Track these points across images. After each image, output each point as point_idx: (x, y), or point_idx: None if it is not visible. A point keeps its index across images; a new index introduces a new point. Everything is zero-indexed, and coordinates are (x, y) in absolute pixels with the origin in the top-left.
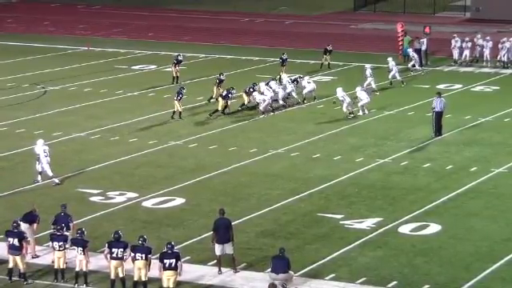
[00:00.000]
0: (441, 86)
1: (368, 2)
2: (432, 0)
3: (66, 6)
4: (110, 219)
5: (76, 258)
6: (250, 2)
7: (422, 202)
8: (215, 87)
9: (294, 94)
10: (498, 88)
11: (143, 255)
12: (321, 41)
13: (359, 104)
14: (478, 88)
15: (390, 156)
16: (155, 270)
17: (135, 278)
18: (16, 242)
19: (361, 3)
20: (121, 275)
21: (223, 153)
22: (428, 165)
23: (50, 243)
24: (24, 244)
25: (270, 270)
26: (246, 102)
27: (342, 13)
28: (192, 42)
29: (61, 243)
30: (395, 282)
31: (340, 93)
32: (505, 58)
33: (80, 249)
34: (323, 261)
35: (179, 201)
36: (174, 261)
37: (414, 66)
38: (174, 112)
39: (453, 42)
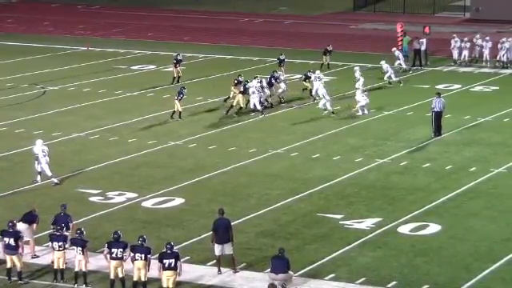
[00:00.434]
0: (440, 86)
1: (368, 2)
2: (432, 0)
3: (66, 6)
4: (110, 219)
5: (75, 258)
6: (250, 2)
7: (422, 202)
8: (233, 87)
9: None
10: (497, 88)
11: (143, 255)
12: (321, 41)
13: (358, 105)
14: (477, 88)
15: (390, 156)
16: (155, 270)
17: (135, 278)
18: (12, 241)
19: (360, 3)
20: (120, 275)
21: (223, 153)
22: (427, 165)
23: (50, 243)
24: (20, 243)
25: (269, 270)
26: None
27: (342, 13)
28: (191, 42)
29: (60, 243)
30: (395, 282)
31: (321, 90)
32: (504, 58)
33: (79, 249)
34: (323, 261)
35: (179, 201)
36: (173, 261)
37: (400, 65)
38: (173, 112)
39: (452, 42)
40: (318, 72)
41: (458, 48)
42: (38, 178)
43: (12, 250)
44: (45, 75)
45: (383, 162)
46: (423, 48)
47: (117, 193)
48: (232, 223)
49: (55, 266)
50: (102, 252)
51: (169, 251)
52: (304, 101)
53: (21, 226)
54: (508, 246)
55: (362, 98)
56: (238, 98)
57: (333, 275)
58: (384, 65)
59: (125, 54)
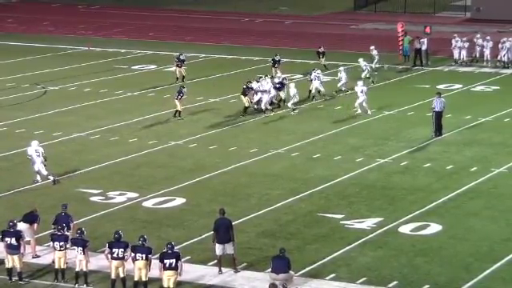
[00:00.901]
0: (441, 86)
1: (368, 1)
2: (432, 0)
3: (67, 6)
4: (110, 219)
5: (76, 258)
6: (251, 2)
7: (423, 202)
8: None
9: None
10: (498, 88)
11: (144, 255)
12: (321, 41)
13: (356, 103)
14: (478, 88)
15: (390, 156)
16: (155, 270)
17: (135, 278)
18: (14, 241)
19: (361, 3)
20: (121, 275)
21: (223, 153)
22: (428, 165)
23: (51, 243)
24: (22, 243)
25: (270, 270)
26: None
27: (343, 13)
28: (192, 42)
29: (62, 243)
30: (395, 282)
31: (292, 89)
32: (505, 58)
33: (80, 249)
34: (323, 261)
35: (179, 201)
36: (174, 261)
37: (376, 63)
38: (176, 111)
39: (453, 41)
40: (318, 71)
41: (458, 48)
42: (38, 177)
43: (14, 249)
44: (45, 75)
45: (384, 162)
46: (424, 48)
47: (117, 193)
48: (233, 223)
49: (56, 266)
50: (103, 252)
51: (170, 251)
52: (304, 101)
53: (21, 226)
54: (508, 245)
55: (359, 95)
56: (242, 99)
57: (333, 275)
58: (362, 62)
59: (125, 54)
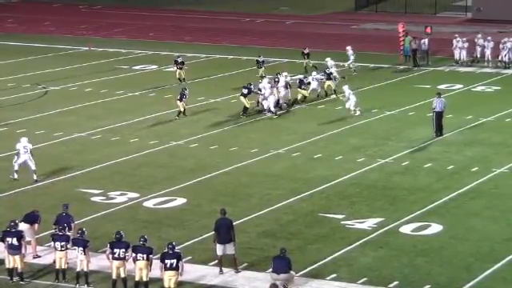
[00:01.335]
0: (442, 86)
1: (369, 2)
2: (433, 0)
3: (68, 6)
4: (111, 219)
5: (77, 258)
6: (251, 2)
7: (423, 202)
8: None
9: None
10: (499, 88)
11: (144, 255)
12: (322, 41)
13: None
14: (479, 88)
15: (391, 156)
16: (156, 270)
17: (136, 279)
18: (15, 241)
19: (362, 3)
20: (123, 275)
21: (224, 153)
22: (429, 165)
23: (52, 243)
24: (23, 243)
25: (271, 270)
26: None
27: (343, 13)
28: (193, 42)
29: (63, 243)
30: (396, 282)
31: (268, 90)
32: (506, 59)
33: (81, 249)
34: (324, 261)
35: (180, 201)
36: (175, 261)
37: (351, 63)
38: (179, 112)
39: (454, 42)
40: (314, 73)
41: (459, 48)
42: (35, 176)
43: (15, 249)
44: (46, 75)
45: (385, 162)
46: (425, 48)
47: (118, 193)
48: (233, 223)
49: (57, 266)
50: (104, 252)
51: (170, 251)
52: (304, 101)
53: (22, 226)
54: (509, 246)
55: (351, 96)
56: (242, 100)
57: (334, 275)
58: (329, 61)
59: (126, 54)
